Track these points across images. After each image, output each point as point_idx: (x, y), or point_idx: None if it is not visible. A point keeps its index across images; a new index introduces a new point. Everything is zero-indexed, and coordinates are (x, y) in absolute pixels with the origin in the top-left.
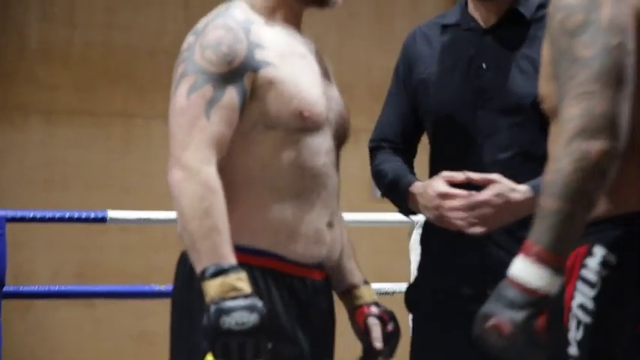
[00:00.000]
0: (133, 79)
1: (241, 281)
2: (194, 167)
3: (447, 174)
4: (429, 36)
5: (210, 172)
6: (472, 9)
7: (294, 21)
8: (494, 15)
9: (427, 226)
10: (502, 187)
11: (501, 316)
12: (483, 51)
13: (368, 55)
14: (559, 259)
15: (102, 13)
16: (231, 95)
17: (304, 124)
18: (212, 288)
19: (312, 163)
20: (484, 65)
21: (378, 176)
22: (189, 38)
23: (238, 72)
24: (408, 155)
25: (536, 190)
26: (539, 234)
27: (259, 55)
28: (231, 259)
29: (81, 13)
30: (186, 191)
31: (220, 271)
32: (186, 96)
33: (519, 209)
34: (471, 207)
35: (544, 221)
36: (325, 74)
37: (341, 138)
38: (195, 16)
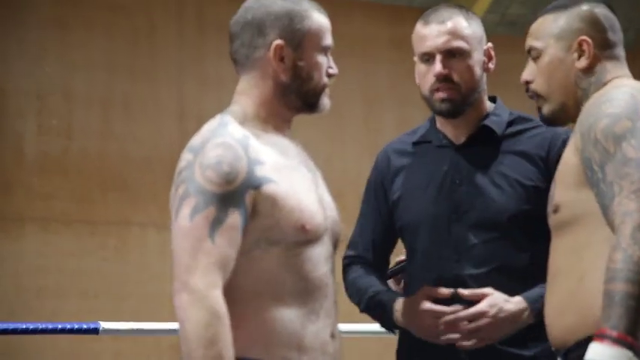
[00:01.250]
0: (128, 188)
1: None
2: (201, 292)
3: (429, 290)
4: (402, 153)
5: (217, 297)
6: (441, 125)
7: (284, 128)
8: (463, 131)
9: (403, 343)
10: (495, 298)
11: None
12: (457, 167)
13: (357, 164)
14: (636, 341)
15: (98, 124)
16: (234, 216)
17: (306, 237)
18: None
19: (314, 274)
20: (457, 181)
21: (356, 292)
22: (187, 156)
23: (240, 190)
24: (379, 269)
25: (529, 301)
26: (614, 320)
27: (259, 171)
28: None
29: (77, 123)
30: (192, 317)
31: None
32: (189, 218)
33: (515, 319)
34: (468, 320)
35: (617, 307)
36: (317, 181)
37: (335, 243)
38: (189, 127)
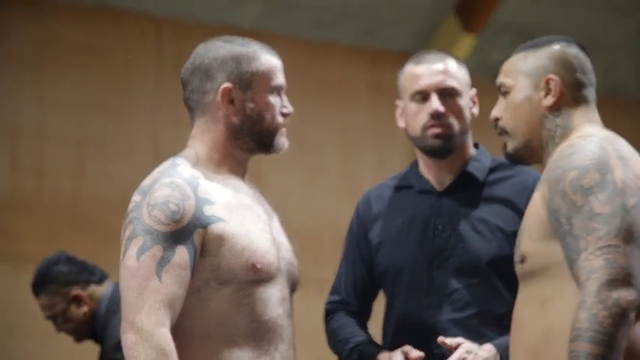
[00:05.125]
0: (100, 228)
1: None
2: (147, 330)
3: (407, 349)
4: (383, 198)
5: (164, 335)
6: (424, 170)
7: (239, 170)
8: (446, 176)
9: None
10: (470, 345)
11: None
12: (439, 213)
13: (335, 205)
14: None
15: (71, 163)
16: (182, 254)
17: (257, 276)
18: None
19: (267, 316)
20: (440, 227)
21: (338, 342)
22: (136, 197)
23: (187, 229)
24: (362, 317)
25: (498, 348)
26: None
27: (208, 210)
28: None
29: (50, 161)
30: (139, 356)
31: None
32: (136, 258)
33: None
34: None
35: None
36: (273, 223)
37: (292, 285)
38: None
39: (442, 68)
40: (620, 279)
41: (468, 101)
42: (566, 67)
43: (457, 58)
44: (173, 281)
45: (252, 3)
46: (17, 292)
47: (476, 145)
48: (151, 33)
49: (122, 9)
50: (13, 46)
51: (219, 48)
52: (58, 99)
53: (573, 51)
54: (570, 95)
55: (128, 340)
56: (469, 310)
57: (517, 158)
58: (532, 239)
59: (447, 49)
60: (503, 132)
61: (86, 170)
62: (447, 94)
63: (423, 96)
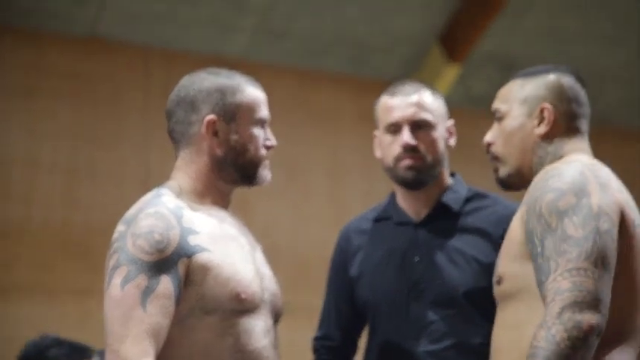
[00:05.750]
0: (91, 256)
1: None
2: None
3: None
4: (362, 230)
5: None
6: (401, 201)
7: (222, 201)
8: (423, 206)
9: None
10: None
11: None
12: (415, 244)
13: (323, 234)
14: None
15: (61, 191)
16: (166, 284)
17: (242, 306)
18: None
19: (251, 347)
20: (417, 258)
21: None
22: (120, 227)
23: (172, 259)
24: (345, 352)
25: None
26: None
27: (193, 240)
28: None
29: (40, 190)
30: None
31: None
32: (120, 287)
33: None
34: None
35: None
36: (256, 254)
37: (276, 316)
38: None
39: (415, 100)
40: (586, 302)
41: (442, 132)
42: (560, 97)
43: (432, 89)
44: (157, 311)
45: (241, 31)
46: (6, 324)
47: (452, 174)
48: (138, 61)
49: (110, 38)
50: (4, 76)
51: (204, 80)
52: (49, 127)
53: (569, 81)
54: (563, 125)
55: None
56: (446, 341)
57: (508, 184)
58: (509, 260)
59: (433, 79)
60: (495, 158)
61: (77, 198)
62: (419, 127)
63: (395, 128)
